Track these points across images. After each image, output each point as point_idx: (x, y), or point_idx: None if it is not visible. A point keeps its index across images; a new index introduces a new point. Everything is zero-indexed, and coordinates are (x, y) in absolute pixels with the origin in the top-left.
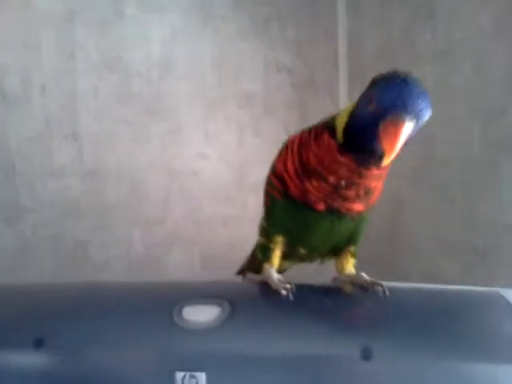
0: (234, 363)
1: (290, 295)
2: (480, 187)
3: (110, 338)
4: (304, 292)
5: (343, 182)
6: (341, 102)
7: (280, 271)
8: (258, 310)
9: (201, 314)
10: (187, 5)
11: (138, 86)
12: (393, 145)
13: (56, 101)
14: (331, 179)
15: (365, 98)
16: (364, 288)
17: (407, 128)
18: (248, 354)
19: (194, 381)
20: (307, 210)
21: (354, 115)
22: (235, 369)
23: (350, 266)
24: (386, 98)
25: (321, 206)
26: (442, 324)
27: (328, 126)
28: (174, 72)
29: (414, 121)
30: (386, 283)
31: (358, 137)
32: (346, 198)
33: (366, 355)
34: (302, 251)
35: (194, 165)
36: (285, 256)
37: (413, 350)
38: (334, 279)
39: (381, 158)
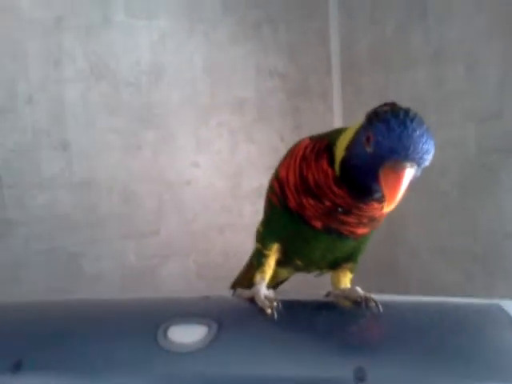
0: None
1: (275, 314)
2: (479, 194)
3: (93, 361)
4: (294, 309)
5: (340, 209)
6: (335, 107)
7: (279, 281)
8: (246, 329)
9: (187, 335)
10: (176, 10)
11: (127, 94)
12: (395, 193)
13: (43, 111)
14: (327, 203)
15: (360, 138)
16: (357, 303)
17: (409, 175)
18: (235, 377)
19: None
20: (305, 224)
21: (350, 152)
22: None
23: (346, 280)
24: (385, 143)
25: (317, 224)
26: (439, 342)
27: (328, 150)
28: (163, 79)
29: (416, 166)
30: (381, 296)
31: (356, 175)
32: (346, 223)
33: (360, 377)
34: (298, 262)
35: (187, 174)
36: (281, 264)
37: (409, 370)
38: (328, 294)
39: (380, 198)
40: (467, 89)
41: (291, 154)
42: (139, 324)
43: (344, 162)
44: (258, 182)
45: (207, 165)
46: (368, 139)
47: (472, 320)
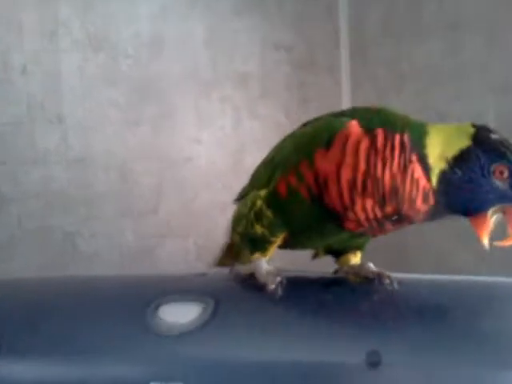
0: (217, 371)
1: (279, 290)
2: None
3: (76, 344)
4: (300, 286)
5: (394, 218)
6: (343, 81)
7: None
8: (246, 307)
9: (179, 314)
10: None
11: (126, 66)
12: None
13: (38, 83)
14: (388, 209)
15: (480, 163)
16: (370, 280)
17: None
18: (233, 360)
19: None
20: (335, 222)
21: (459, 170)
22: (217, 377)
23: (356, 258)
24: None
25: (351, 225)
26: (463, 323)
27: (418, 153)
28: (164, 51)
29: None
30: (394, 274)
31: (460, 197)
32: (385, 229)
33: (374, 361)
34: (299, 247)
35: (188, 150)
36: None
37: (427, 355)
38: (336, 271)
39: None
40: (486, 59)
41: (340, 142)
42: (127, 302)
43: (446, 175)
44: (262, 159)
45: (209, 141)
46: (502, 173)
47: (499, 299)
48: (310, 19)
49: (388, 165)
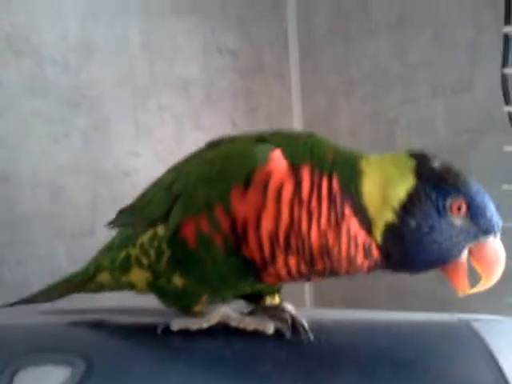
0: None
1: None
2: None
3: None
4: (196, 337)
5: (327, 273)
6: (293, 87)
7: None
8: (128, 369)
9: (39, 382)
10: None
11: (52, 73)
12: (497, 270)
13: None
14: (319, 267)
15: (434, 203)
16: (283, 328)
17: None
18: None
19: None
20: (253, 275)
21: (413, 219)
22: None
23: (274, 300)
24: (487, 215)
25: (271, 281)
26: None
27: (353, 202)
28: (95, 56)
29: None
30: (321, 312)
31: (413, 250)
32: (309, 280)
33: None
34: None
35: (125, 164)
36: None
37: None
38: (252, 311)
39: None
40: (434, 58)
41: (258, 182)
42: None
43: (395, 228)
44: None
45: (148, 154)
46: (459, 208)
47: (434, 349)
48: (256, 20)
49: (315, 219)
